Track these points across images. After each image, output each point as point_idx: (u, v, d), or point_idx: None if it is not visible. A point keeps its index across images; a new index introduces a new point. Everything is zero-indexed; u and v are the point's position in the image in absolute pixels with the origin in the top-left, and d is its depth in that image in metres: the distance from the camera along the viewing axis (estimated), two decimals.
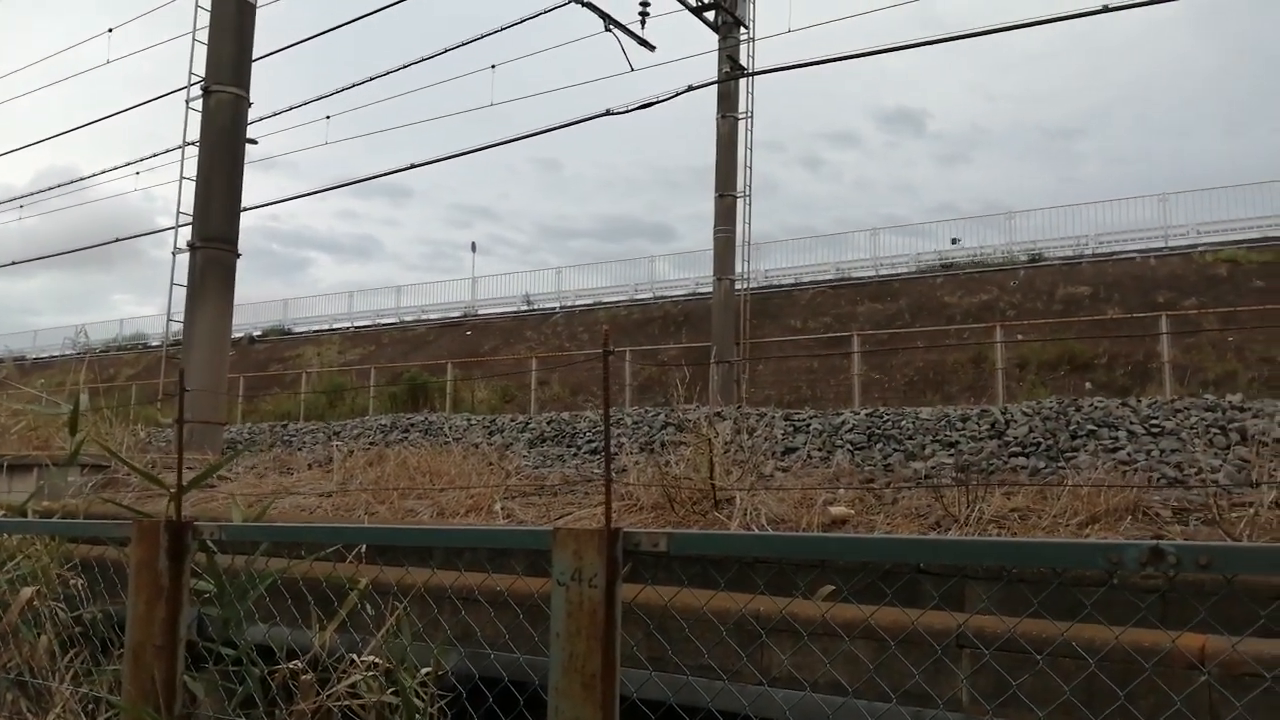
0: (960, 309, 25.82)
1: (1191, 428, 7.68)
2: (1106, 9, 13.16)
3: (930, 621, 3.50)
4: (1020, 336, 22.11)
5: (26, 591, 4.53)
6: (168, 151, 20.88)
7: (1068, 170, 61.25)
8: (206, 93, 12.61)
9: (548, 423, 11.31)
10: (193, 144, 13.13)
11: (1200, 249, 25.21)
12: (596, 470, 8.58)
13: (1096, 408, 8.46)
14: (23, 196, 26.05)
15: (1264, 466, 6.31)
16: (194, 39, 13.68)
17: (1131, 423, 8.00)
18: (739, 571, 4.29)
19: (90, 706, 4.07)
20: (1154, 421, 7.95)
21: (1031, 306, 24.78)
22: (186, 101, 13.79)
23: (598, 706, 2.36)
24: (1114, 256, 26.27)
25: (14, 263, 23.74)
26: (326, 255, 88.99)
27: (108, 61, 20.27)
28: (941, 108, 71.77)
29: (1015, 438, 8.23)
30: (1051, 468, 7.32)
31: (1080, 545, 2.05)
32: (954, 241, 29.36)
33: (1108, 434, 7.86)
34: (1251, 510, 5.27)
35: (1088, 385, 19.96)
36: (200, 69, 13.14)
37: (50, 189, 23.90)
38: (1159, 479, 6.60)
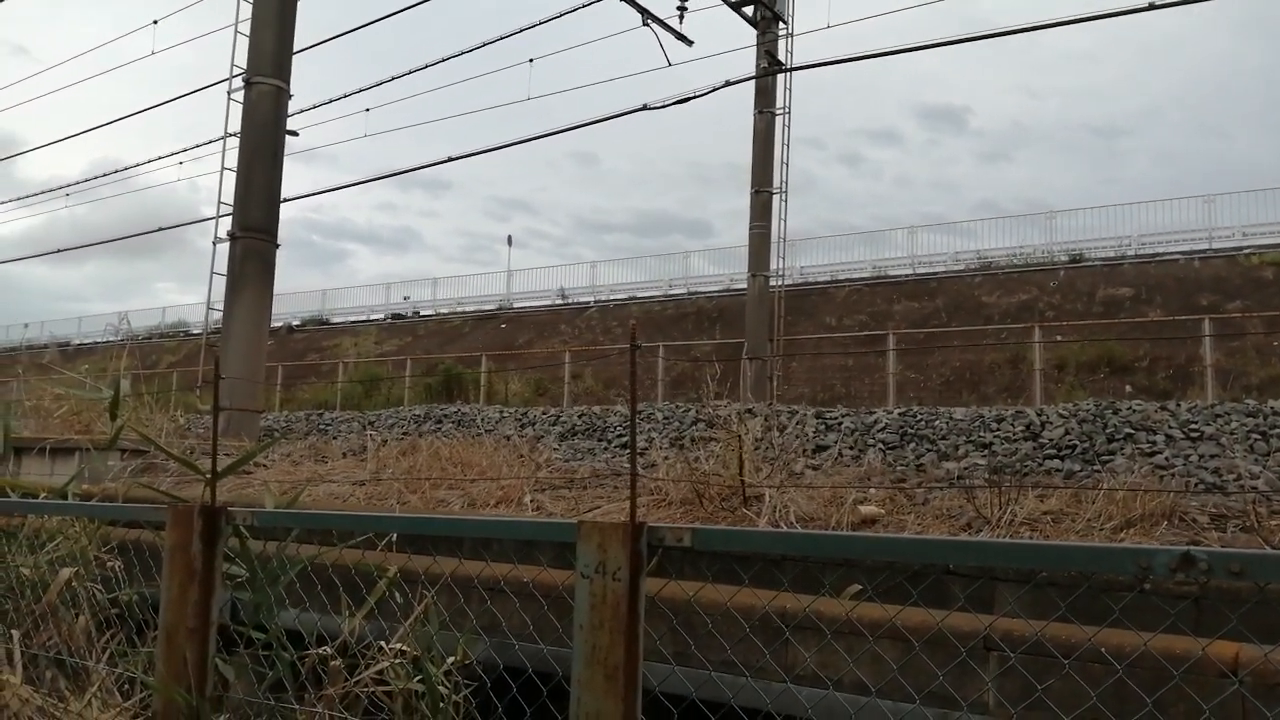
0: (998, 309, 25.53)
1: (1232, 433, 7.54)
2: (1152, 6, 12.93)
3: (956, 623, 3.47)
4: (1059, 337, 21.82)
5: (65, 572, 4.63)
6: (210, 143, 21.16)
7: (1111, 170, 60.34)
8: (247, 84, 12.77)
9: (579, 416, 11.34)
10: (234, 135, 13.31)
11: (1246, 251, 24.71)
12: (626, 464, 8.59)
13: (1135, 411, 8.33)
14: (68, 185, 26.51)
15: None
16: (236, 31, 13.85)
17: (1170, 427, 7.87)
18: (765, 569, 4.28)
19: (126, 686, 4.15)
20: (1193, 426, 7.82)
21: (1071, 307, 24.44)
22: (228, 93, 13.97)
23: (619, 699, 2.37)
24: (1157, 258, 25.83)
25: (60, 250, 24.20)
26: (365, 247, 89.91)
27: (152, 53, 20.58)
28: (983, 105, 71.01)
29: (1051, 440, 8.13)
30: (1087, 471, 7.22)
31: (1110, 550, 2.02)
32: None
33: (1145, 438, 7.74)
34: None
35: (1127, 388, 19.66)
36: (242, 61, 13.31)
37: (94, 178, 24.32)
38: (1197, 484, 6.49)
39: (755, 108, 20.32)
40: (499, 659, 3.63)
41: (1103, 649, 3.08)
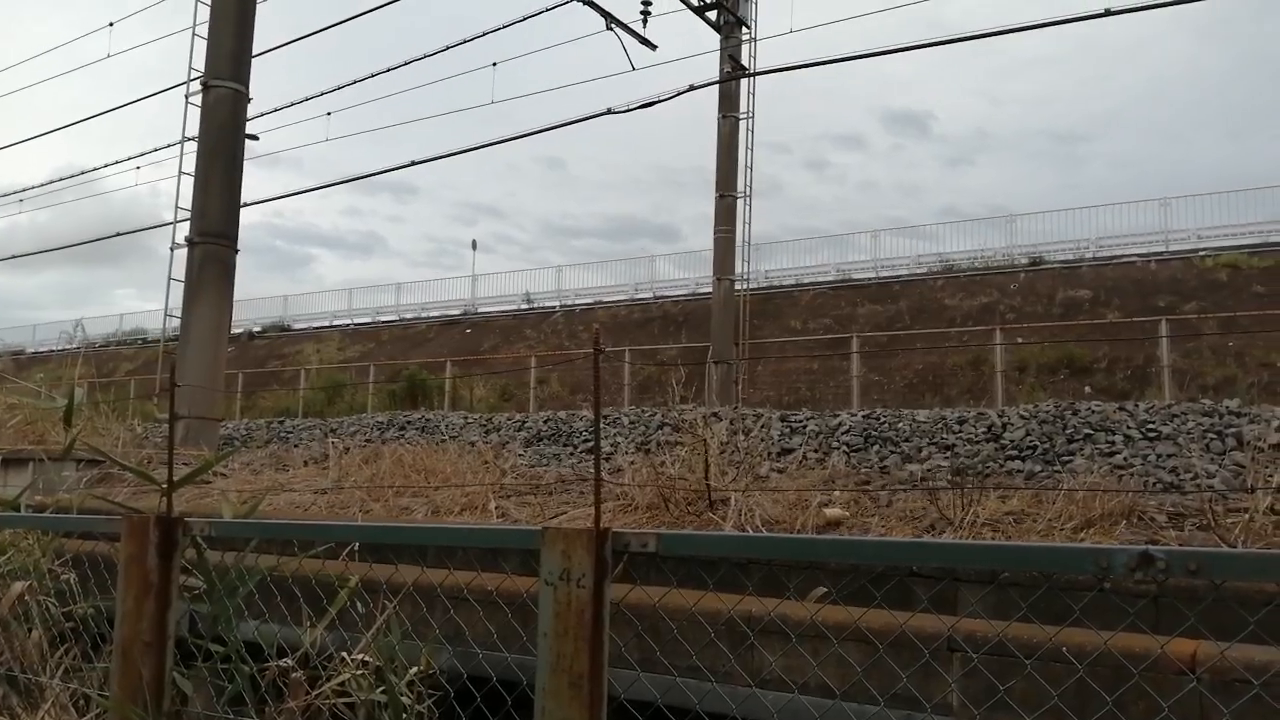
0: (960, 311, 25.81)
1: (1188, 433, 7.66)
2: (1109, 12, 13.15)
3: (920, 625, 3.49)
4: (1020, 340, 22.10)
5: (18, 586, 4.52)
6: (169, 146, 20.89)
7: (1071, 175, 61.25)
8: (206, 88, 12.60)
9: (544, 422, 11.29)
10: (192, 139, 13.12)
11: (1201, 254, 25.18)
12: (592, 470, 8.57)
13: (1094, 411, 8.44)
14: (22, 190, 25.99)
15: (1259, 472, 6.30)
16: (194, 33, 13.67)
17: (1129, 427, 7.98)
18: (731, 573, 4.28)
19: (81, 702, 4.06)
20: (1151, 426, 7.93)
21: (1031, 310, 24.76)
22: (186, 96, 13.78)
23: (585, 707, 2.35)
24: (1114, 260, 26.24)
25: (15, 256, 23.74)
26: (330, 252, 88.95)
27: (108, 56, 20.27)
28: (946, 111, 71.75)
29: (1012, 441, 8.21)
30: (1047, 471, 7.30)
31: (1069, 550, 2.04)
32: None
33: (1104, 438, 7.84)
34: (1246, 516, 5.26)
35: (1087, 389, 19.95)
36: (200, 64, 13.14)
37: (50, 183, 23.87)
38: (1155, 484, 6.58)
39: (719, 112, 20.40)
40: (463, 668, 3.59)
41: (1064, 649, 3.11)
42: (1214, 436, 7.56)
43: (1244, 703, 2.97)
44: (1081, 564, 1.90)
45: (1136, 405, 8.66)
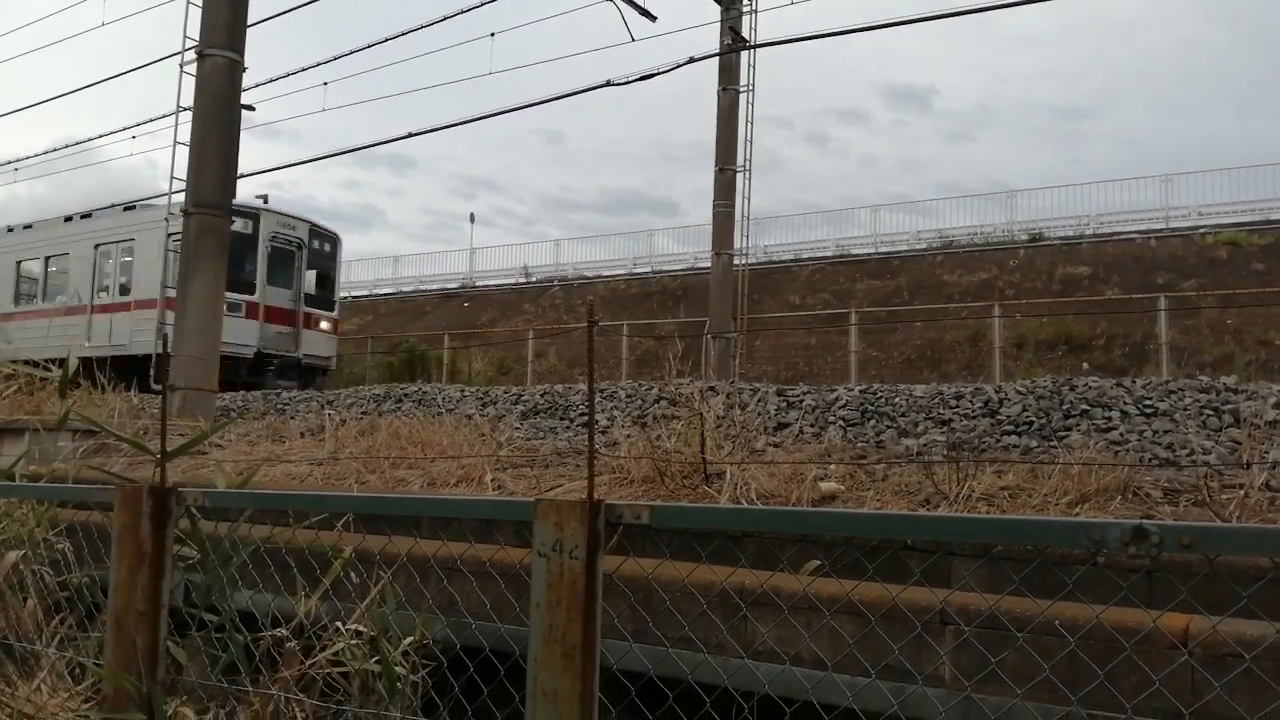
0: (959, 287, 25.76)
1: (1185, 409, 7.65)
2: None
3: (913, 598, 3.49)
4: (1018, 316, 22.07)
5: (12, 555, 4.52)
6: (164, 117, 20.69)
7: (1074, 151, 61.00)
8: (200, 56, 12.48)
9: (541, 395, 11.27)
10: (187, 109, 13.02)
11: (1201, 231, 25.12)
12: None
13: (1091, 387, 8.43)
14: (18, 160, 25.80)
15: (1256, 448, 6.30)
16: (189, 1, 13.52)
17: (1125, 403, 7.97)
18: (724, 546, 4.29)
19: (76, 670, 4.07)
20: (1148, 402, 7.92)
21: (1030, 286, 24.72)
22: (180, 65, 13.65)
23: (577, 677, 2.35)
24: (1114, 237, 26.18)
25: (10, 229, 23.60)
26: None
27: (103, 24, 20.06)
28: (949, 86, 71.36)
29: (1008, 416, 8.20)
30: (1044, 447, 7.30)
31: (1063, 523, 2.03)
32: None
33: (1101, 414, 7.84)
34: (1241, 492, 5.26)
35: (1085, 365, 19.95)
36: (195, 33, 13.00)
37: (44, 153, 23.73)
38: (1150, 459, 6.58)
39: (719, 85, 20.24)
40: (456, 639, 3.60)
41: (1056, 622, 3.11)
42: (1211, 413, 7.56)
43: (1235, 676, 2.98)
44: (1075, 538, 1.90)
45: (1134, 381, 8.65)
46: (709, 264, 21.82)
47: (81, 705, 3.71)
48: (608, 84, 16.30)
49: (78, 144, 23.16)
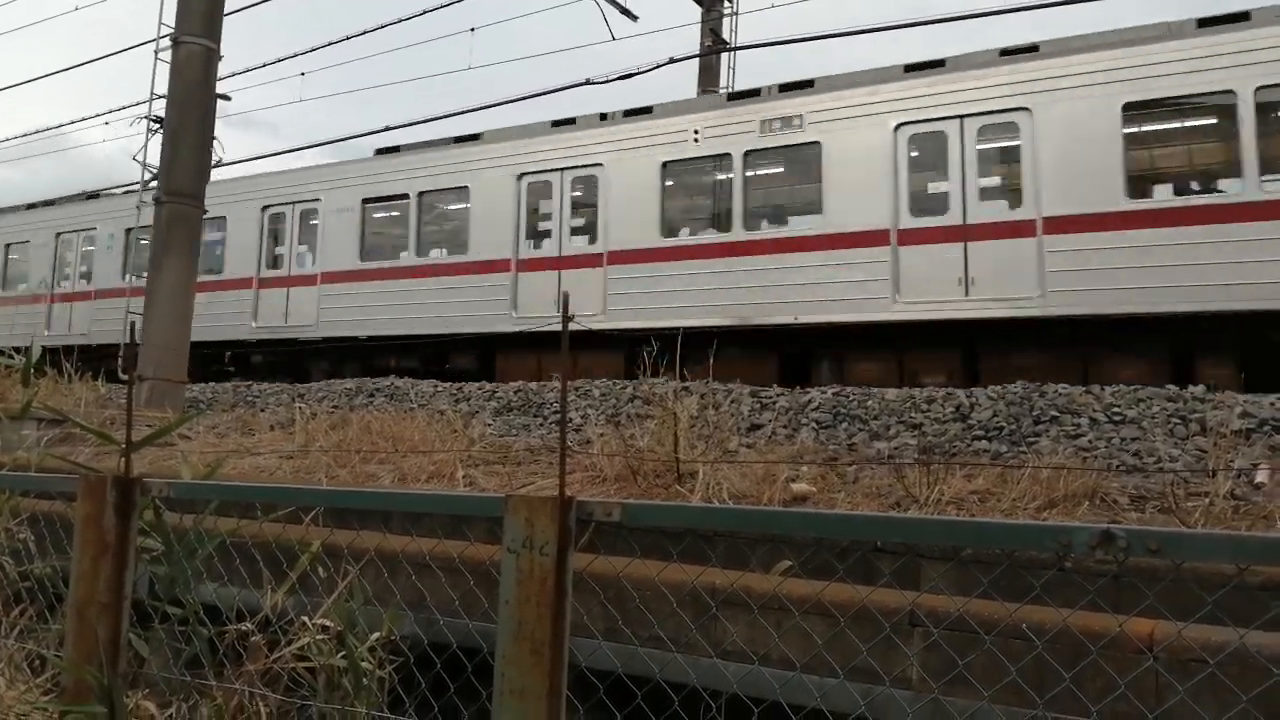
0: None
1: (1153, 417, 7.75)
2: None
3: (882, 599, 3.51)
4: None
5: None
6: (137, 104, 20.46)
7: None
8: (176, 44, 12.32)
9: (515, 392, 11.24)
10: (161, 97, 12.86)
11: None
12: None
13: (1060, 394, 8.52)
14: None
15: (1221, 457, 6.38)
16: None
17: (1094, 410, 8.06)
18: (695, 545, 4.29)
19: (36, 662, 4.01)
20: (1116, 410, 8.02)
21: None
22: (155, 53, 13.50)
23: (545, 674, 2.34)
24: None
25: None
26: None
27: (75, 9, 19.79)
28: None
29: (979, 421, 8.27)
30: (1013, 452, 7.36)
31: (1031, 527, 2.04)
32: None
33: (1070, 420, 7.92)
34: (1207, 500, 5.32)
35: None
36: (170, 20, 12.85)
37: (14, 138, 23.37)
38: (1118, 466, 6.65)
39: (699, 86, 20.24)
40: (424, 635, 3.57)
41: (1024, 625, 3.13)
42: (1178, 421, 7.65)
43: (1199, 681, 3.01)
44: (1043, 541, 1.90)
45: (1103, 389, 8.74)
46: None
47: (40, 697, 3.65)
48: (587, 82, 16.28)
49: (49, 129, 22.83)
